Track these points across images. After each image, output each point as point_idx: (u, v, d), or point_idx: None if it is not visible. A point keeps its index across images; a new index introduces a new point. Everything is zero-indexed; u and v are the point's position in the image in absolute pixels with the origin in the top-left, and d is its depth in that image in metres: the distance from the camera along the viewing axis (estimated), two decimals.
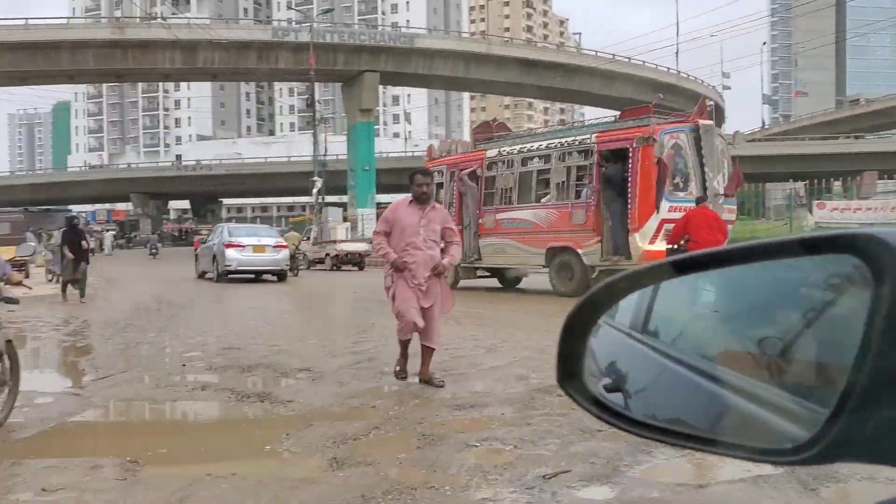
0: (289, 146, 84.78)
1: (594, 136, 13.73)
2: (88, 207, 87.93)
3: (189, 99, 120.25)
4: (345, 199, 52.14)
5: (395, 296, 5.97)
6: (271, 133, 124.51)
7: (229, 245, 19.59)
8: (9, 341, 5.10)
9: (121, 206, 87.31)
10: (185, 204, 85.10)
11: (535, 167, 14.80)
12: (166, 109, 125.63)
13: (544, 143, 14.93)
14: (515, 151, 15.29)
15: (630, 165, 12.69)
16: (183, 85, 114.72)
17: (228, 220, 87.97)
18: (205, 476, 3.93)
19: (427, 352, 6.07)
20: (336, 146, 55.69)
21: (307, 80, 47.08)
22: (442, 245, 6.16)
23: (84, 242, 13.94)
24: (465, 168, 15.83)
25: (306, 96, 49.11)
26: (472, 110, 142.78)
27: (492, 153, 15.72)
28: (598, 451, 4.25)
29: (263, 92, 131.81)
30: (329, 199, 57.25)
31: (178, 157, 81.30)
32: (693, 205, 11.25)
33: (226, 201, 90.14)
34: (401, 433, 4.77)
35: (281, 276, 20.62)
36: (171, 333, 9.55)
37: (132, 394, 6.05)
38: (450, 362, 7.08)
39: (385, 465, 4.08)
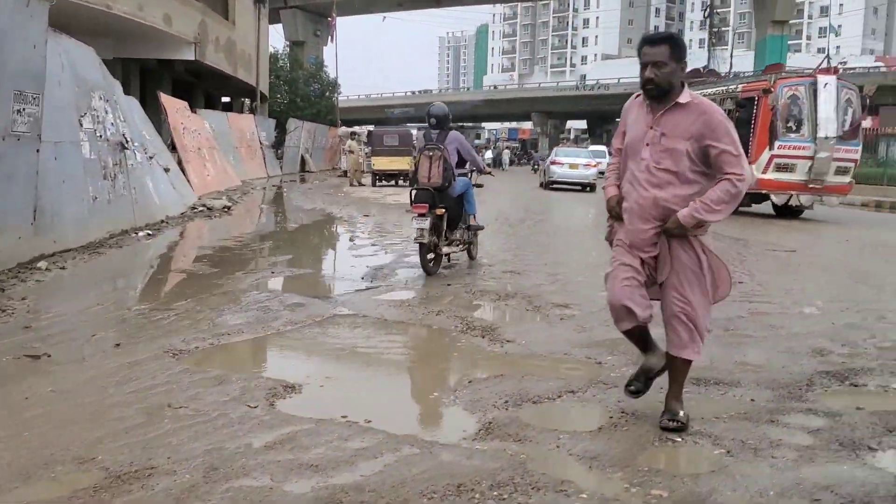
0: (695, 63, 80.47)
1: (741, 86, 16.72)
2: (496, 125, 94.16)
3: (597, 18, 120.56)
4: None
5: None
6: None
7: (553, 162, 25.95)
8: (473, 218, 7.94)
9: (526, 124, 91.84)
10: (583, 124, 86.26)
11: None
12: (574, 29, 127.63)
13: (710, 90, 17.08)
14: None
15: (754, 111, 15.57)
16: (592, 3, 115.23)
17: None
18: (338, 418, 3.50)
19: (674, 366, 3.52)
20: (746, 63, 51.10)
21: None
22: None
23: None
24: None
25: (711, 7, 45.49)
26: None
27: None
28: (836, 482, 2.86)
29: (674, 8, 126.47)
30: None
31: (583, 76, 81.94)
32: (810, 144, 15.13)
33: None
34: (594, 404, 3.82)
35: (591, 187, 25.29)
36: (485, 252, 9.08)
37: (394, 315, 5.75)
38: (743, 320, 5.71)
39: (538, 444, 3.24)
